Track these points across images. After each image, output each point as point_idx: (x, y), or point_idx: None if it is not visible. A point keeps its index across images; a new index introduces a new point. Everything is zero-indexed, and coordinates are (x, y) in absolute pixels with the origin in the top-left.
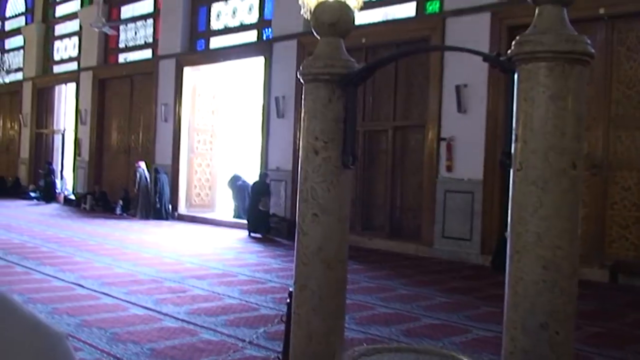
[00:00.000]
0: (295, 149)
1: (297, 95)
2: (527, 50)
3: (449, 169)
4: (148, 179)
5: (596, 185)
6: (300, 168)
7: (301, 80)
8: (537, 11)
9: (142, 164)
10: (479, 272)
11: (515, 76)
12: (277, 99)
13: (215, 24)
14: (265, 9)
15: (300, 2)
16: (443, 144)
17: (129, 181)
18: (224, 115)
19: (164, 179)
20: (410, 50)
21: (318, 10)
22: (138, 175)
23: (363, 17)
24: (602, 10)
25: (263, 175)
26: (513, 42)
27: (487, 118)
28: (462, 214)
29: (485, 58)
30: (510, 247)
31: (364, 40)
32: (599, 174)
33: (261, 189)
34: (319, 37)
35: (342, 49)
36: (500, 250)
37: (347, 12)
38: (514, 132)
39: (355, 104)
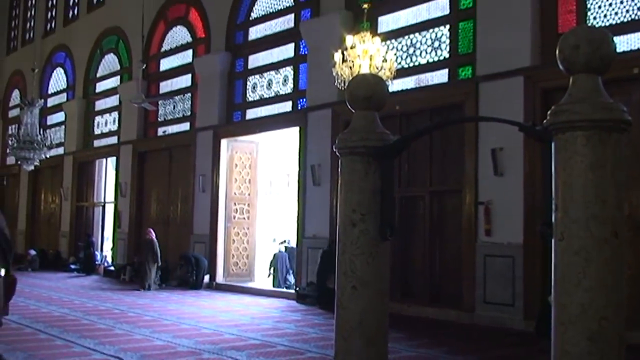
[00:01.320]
0: (332, 216)
1: (332, 163)
2: (563, 120)
3: (488, 233)
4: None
5: None
6: (338, 240)
7: (337, 154)
8: (571, 80)
9: (152, 233)
10: (523, 339)
11: (553, 145)
12: (312, 167)
13: (251, 96)
14: (300, 80)
15: (334, 73)
16: (481, 208)
17: (167, 252)
18: (261, 184)
19: (199, 257)
20: (445, 122)
21: (353, 84)
22: (156, 246)
23: (396, 85)
24: (636, 70)
25: (332, 243)
26: (548, 112)
27: (524, 180)
28: (503, 278)
29: (521, 128)
30: (554, 319)
31: (397, 107)
32: None
33: (332, 260)
34: (353, 111)
35: (377, 121)
36: (544, 315)
37: (382, 85)
38: (553, 201)
39: (391, 175)
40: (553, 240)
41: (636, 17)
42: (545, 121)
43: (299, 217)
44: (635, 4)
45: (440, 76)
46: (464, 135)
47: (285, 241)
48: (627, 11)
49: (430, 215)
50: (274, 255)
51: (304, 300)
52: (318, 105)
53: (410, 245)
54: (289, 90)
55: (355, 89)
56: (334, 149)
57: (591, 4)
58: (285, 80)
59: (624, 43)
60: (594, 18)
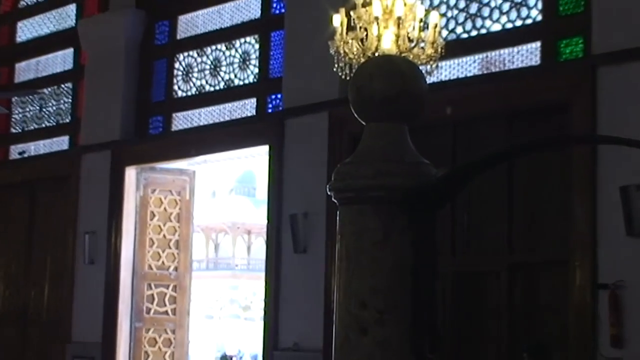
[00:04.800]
0: (328, 310)
1: (329, 212)
2: None
3: (617, 340)
4: None
5: None
6: (336, 358)
7: (334, 199)
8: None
9: None
10: None
11: None
12: (293, 219)
13: (182, 89)
14: (272, 61)
15: (332, 50)
16: (603, 295)
17: None
18: (198, 249)
19: None
20: (539, 143)
21: (363, 74)
22: None
23: (446, 71)
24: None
25: None
26: None
27: None
28: None
29: None
30: None
31: (448, 112)
32: None
33: None
34: (363, 122)
35: (406, 142)
36: None
37: (416, 76)
38: None
39: (433, 239)
40: None
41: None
42: None
43: (267, 311)
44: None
45: (527, 55)
46: (570, 166)
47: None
48: None
49: (508, 306)
50: None
51: None
52: (304, 107)
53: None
54: (252, 79)
55: (367, 83)
56: (329, 192)
57: None
58: (244, 61)
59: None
60: None
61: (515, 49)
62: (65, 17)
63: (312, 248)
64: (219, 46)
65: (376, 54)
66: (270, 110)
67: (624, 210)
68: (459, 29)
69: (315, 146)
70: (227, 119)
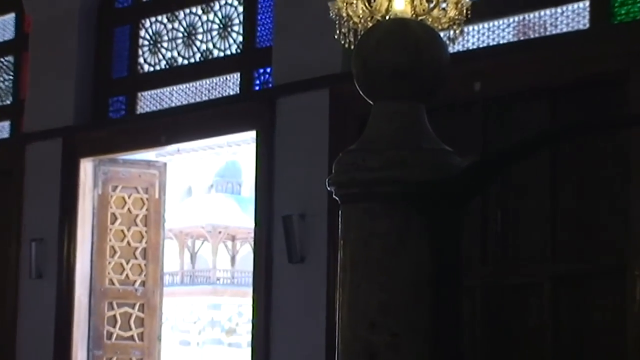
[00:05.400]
0: (330, 333)
1: (331, 212)
2: None
3: None
4: None
5: None
6: None
7: (335, 196)
8: None
9: None
10: None
11: None
12: (287, 221)
13: (148, 62)
14: (259, 27)
15: (332, 13)
16: None
17: None
18: (170, 259)
19: None
20: (593, 125)
21: (369, 41)
22: None
23: (474, 38)
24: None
25: None
26: None
27: None
28: None
29: None
30: None
31: (477, 87)
32: None
33: None
34: (370, 101)
35: (423, 126)
36: None
37: (433, 45)
38: None
39: (459, 244)
40: None
41: None
42: None
43: (256, 335)
44: None
45: (573, 17)
46: (629, 152)
47: None
48: None
49: (552, 328)
50: None
51: None
52: (299, 84)
53: None
54: (234, 50)
55: (375, 54)
56: (329, 187)
57: None
58: (225, 27)
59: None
60: None
61: (559, 10)
62: None
63: (310, 257)
64: (193, 9)
65: (386, 17)
66: (257, 88)
67: None
68: None
69: (314, 131)
70: (205, 98)
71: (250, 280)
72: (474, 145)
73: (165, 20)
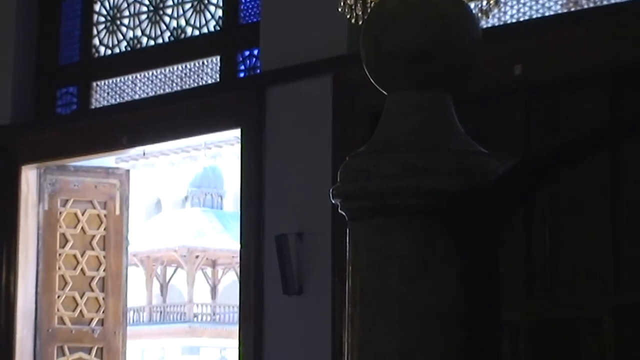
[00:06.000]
0: None
1: (336, 230)
2: None
3: None
4: None
5: None
6: None
7: (340, 210)
8: None
9: None
10: None
11: None
12: (282, 242)
13: (105, 42)
14: (244, 0)
15: None
16: None
17: None
18: (136, 292)
19: None
20: None
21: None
22: None
23: (512, 9)
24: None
25: None
26: None
27: None
28: None
29: None
30: None
31: (517, 72)
32: None
33: None
34: (384, 91)
35: (450, 122)
36: None
37: (462, 20)
38: None
39: (497, 269)
40: None
41: None
42: None
43: None
44: None
45: None
46: None
47: None
48: None
49: None
50: None
51: None
52: (294, 69)
53: None
54: (213, 27)
55: (389, 32)
56: (334, 199)
57: None
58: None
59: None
60: None
61: None
62: None
63: (310, 287)
64: None
65: None
66: (242, 75)
67: None
68: None
69: (313, 129)
70: (177, 89)
71: (236, 316)
72: (515, 144)
73: None
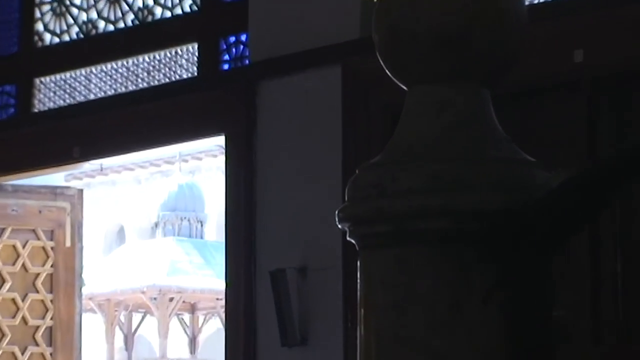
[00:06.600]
0: None
1: (347, 263)
2: None
3: None
4: None
5: None
6: None
7: (349, 237)
8: None
9: None
10: None
11: None
12: (278, 280)
13: (52, 28)
14: None
15: None
16: None
17: None
18: (93, 347)
19: None
20: None
21: None
22: None
23: None
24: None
25: None
26: None
27: None
28: None
29: None
30: None
31: (578, 59)
32: None
33: None
34: (403, 85)
35: (488, 123)
36: None
37: None
38: None
39: (551, 307)
40: None
41: None
42: None
43: None
44: None
45: None
46: None
47: None
48: None
49: None
50: None
51: None
52: (292, 58)
53: None
54: (189, 6)
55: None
56: (340, 223)
57: None
58: None
59: None
60: None
61: None
62: None
63: (316, 336)
64: None
65: None
66: (226, 67)
67: None
68: None
69: (317, 133)
70: (143, 86)
71: None
72: (574, 149)
73: None
